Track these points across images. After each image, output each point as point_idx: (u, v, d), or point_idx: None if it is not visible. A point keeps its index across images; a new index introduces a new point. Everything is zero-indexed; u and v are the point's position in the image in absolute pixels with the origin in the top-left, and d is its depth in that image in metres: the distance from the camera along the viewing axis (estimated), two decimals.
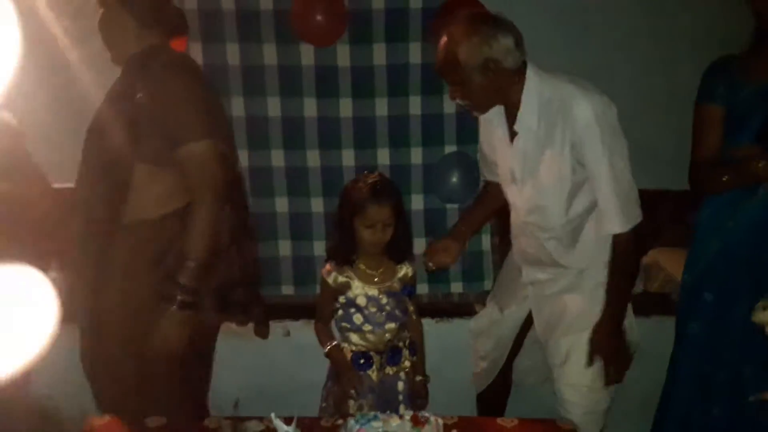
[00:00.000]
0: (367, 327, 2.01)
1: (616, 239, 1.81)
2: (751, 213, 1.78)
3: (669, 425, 1.94)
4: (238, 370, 2.71)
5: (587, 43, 2.80)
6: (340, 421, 1.76)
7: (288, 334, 2.73)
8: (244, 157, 2.68)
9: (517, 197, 1.94)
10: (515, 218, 2.01)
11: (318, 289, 2.72)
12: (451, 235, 2.11)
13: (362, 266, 2.03)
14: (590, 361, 1.88)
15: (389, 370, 2.04)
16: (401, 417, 1.65)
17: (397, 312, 2.04)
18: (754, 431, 1.82)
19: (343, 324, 2.05)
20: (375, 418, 1.66)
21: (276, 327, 2.73)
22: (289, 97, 2.64)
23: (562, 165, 1.77)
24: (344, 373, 2.01)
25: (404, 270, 2.08)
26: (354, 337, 2.04)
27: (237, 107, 2.64)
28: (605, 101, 1.75)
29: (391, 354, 2.05)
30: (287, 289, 2.80)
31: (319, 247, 2.73)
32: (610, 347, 1.87)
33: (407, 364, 2.07)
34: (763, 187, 1.74)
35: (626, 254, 1.83)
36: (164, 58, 1.85)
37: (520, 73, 1.78)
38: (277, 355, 2.72)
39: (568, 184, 1.80)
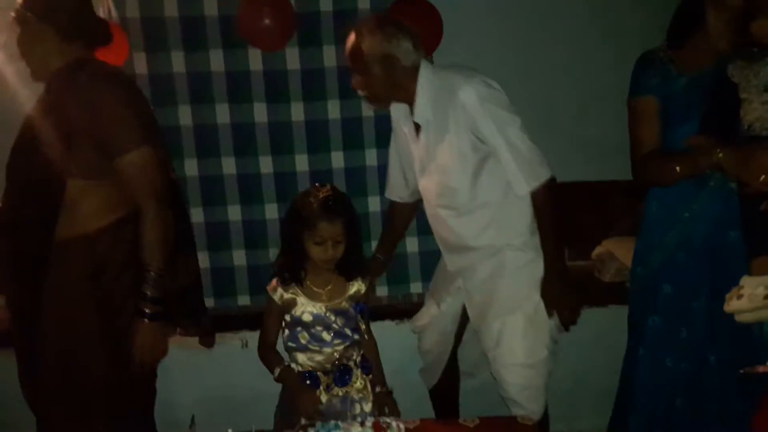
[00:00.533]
0: (314, 346, 1.93)
1: (533, 198, 1.97)
2: (709, 204, 1.79)
3: (634, 419, 1.94)
4: (196, 384, 2.65)
5: (537, 41, 2.85)
6: None
7: (246, 345, 2.67)
8: (194, 166, 2.64)
9: (428, 186, 2.07)
10: (429, 208, 2.13)
11: None
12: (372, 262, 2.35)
13: (309, 283, 1.95)
14: (549, 314, 2.02)
15: (338, 391, 1.93)
16: (362, 424, 1.63)
17: (346, 330, 1.95)
18: (719, 420, 1.84)
19: (289, 344, 1.97)
20: (336, 427, 1.64)
21: (233, 338, 2.69)
22: (238, 103, 2.60)
23: (461, 145, 1.94)
24: (299, 394, 1.88)
25: (356, 287, 1.99)
26: (300, 357, 1.95)
27: (185, 116, 2.59)
28: (487, 83, 1.93)
29: (339, 374, 1.94)
30: (243, 300, 2.75)
31: (275, 255, 2.68)
32: (560, 297, 2.01)
33: (359, 384, 1.97)
34: (713, 178, 1.77)
35: (545, 209, 1.97)
36: (90, 69, 1.79)
37: (417, 71, 1.95)
38: (235, 367, 2.67)
39: (470, 162, 1.95)
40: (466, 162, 1.96)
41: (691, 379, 1.84)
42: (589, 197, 2.92)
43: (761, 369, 1.49)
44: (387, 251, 2.40)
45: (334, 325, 1.93)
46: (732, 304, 1.69)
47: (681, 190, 1.80)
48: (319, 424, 1.70)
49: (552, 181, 1.96)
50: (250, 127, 2.61)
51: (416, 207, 2.30)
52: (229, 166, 2.64)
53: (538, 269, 2.02)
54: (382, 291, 2.75)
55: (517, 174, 1.93)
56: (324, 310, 1.94)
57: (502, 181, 1.97)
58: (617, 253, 2.75)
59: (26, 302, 1.78)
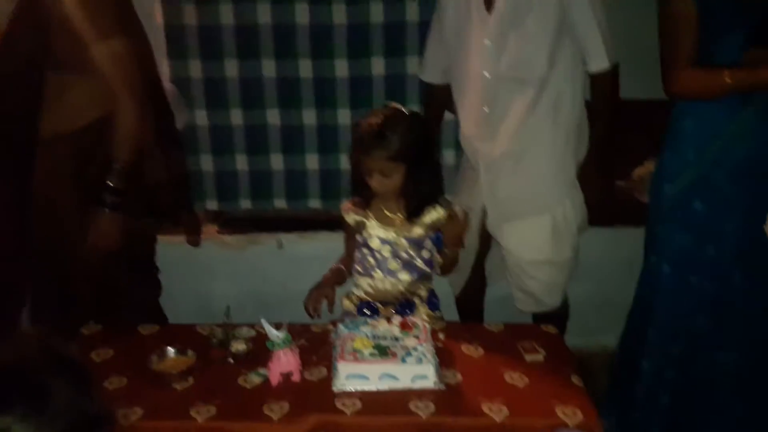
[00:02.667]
0: (378, 274, 1.86)
1: (602, 79, 2.00)
2: (753, 122, 1.71)
3: (653, 334, 1.96)
4: (231, 281, 2.76)
5: None
6: (330, 327, 1.79)
7: (281, 246, 2.75)
8: (234, 69, 2.62)
9: (492, 60, 1.99)
10: (478, 90, 2.03)
11: (311, 203, 2.77)
12: None
13: (381, 206, 1.84)
14: (587, 203, 2.11)
15: None
16: (390, 322, 1.68)
17: (416, 262, 1.84)
18: (741, 341, 1.84)
19: (357, 266, 1.91)
20: (364, 323, 1.69)
21: (269, 239, 2.76)
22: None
23: (546, 14, 1.91)
24: (317, 287, 1.88)
25: (434, 214, 1.82)
26: (363, 283, 1.88)
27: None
28: None
29: (401, 307, 1.86)
30: (279, 203, 2.80)
31: (312, 161, 2.71)
32: (595, 187, 2.09)
33: (425, 319, 1.80)
34: (760, 95, 1.66)
35: (612, 90, 2.02)
36: None
37: None
38: (269, 267, 2.76)
39: (552, 27, 1.92)
40: (549, 27, 1.92)
41: (715, 298, 1.83)
42: (635, 116, 2.82)
43: None
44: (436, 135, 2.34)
45: (404, 254, 1.84)
46: None
47: (722, 105, 1.69)
48: (348, 319, 1.76)
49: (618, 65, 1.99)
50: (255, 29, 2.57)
51: (449, 91, 2.22)
52: (269, 68, 2.61)
53: (571, 174, 2.06)
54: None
55: (599, 47, 1.94)
56: (395, 235, 1.84)
57: (571, 61, 1.98)
58: None
59: (11, 200, 1.81)
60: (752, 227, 1.70)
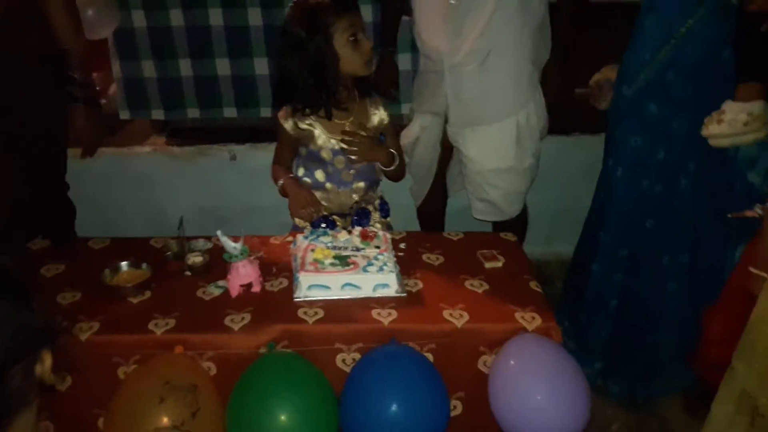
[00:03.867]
0: (330, 186, 1.79)
1: None
2: (707, 21, 1.69)
3: (605, 236, 2.00)
4: (185, 194, 2.68)
5: None
6: (289, 238, 1.76)
7: (234, 157, 2.66)
8: None
9: None
10: None
11: (262, 112, 2.65)
12: (383, 61, 2.21)
13: (330, 110, 1.72)
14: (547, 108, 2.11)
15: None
16: (350, 232, 1.65)
17: (367, 169, 1.80)
18: (688, 243, 1.90)
19: (305, 179, 1.81)
20: (324, 233, 1.66)
21: (221, 150, 2.67)
22: None
23: None
24: (292, 198, 1.76)
25: (378, 115, 1.80)
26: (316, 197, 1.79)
27: None
28: None
29: (357, 217, 1.82)
30: (229, 112, 2.67)
31: (260, 65, 2.57)
32: (557, 91, 2.15)
33: (378, 227, 1.81)
34: None
35: None
36: None
37: None
38: (223, 179, 2.68)
39: None
40: None
41: (664, 201, 1.87)
42: (596, 20, 2.77)
43: (749, 213, 1.50)
44: (393, 40, 2.29)
45: (357, 164, 1.79)
46: (711, 128, 1.68)
47: (680, 2, 1.70)
48: (308, 229, 1.73)
49: None
50: None
51: None
52: None
53: (534, 77, 2.03)
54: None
55: None
56: (346, 143, 1.75)
57: None
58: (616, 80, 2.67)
59: None
60: (697, 130, 1.73)
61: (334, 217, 1.85)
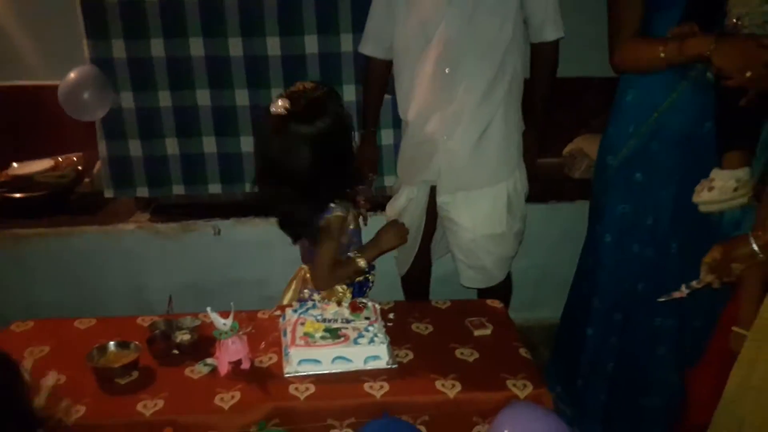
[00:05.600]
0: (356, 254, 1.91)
1: (546, 49, 2.10)
2: (688, 94, 1.79)
3: (597, 302, 2.03)
4: (168, 270, 2.67)
5: None
6: (278, 312, 1.76)
7: (218, 233, 2.68)
8: (160, 49, 2.51)
9: (454, 20, 1.96)
10: (439, 51, 1.99)
11: (248, 187, 2.69)
12: (364, 143, 2.32)
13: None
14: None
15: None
16: (339, 304, 1.66)
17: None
18: (678, 306, 1.94)
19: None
20: (313, 306, 1.67)
21: (205, 226, 2.68)
22: None
23: None
24: (387, 234, 1.91)
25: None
26: None
27: None
28: None
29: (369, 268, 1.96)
30: (214, 188, 2.71)
31: (246, 143, 2.63)
32: (534, 160, 2.22)
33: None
34: (694, 69, 1.75)
35: (554, 62, 2.12)
36: None
37: None
38: (209, 255, 2.69)
39: (511, 6, 1.98)
40: (508, 5, 1.97)
41: (654, 264, 1.92)
42: (564, 94, 2.91)
43: (676, 294, 1.57)
44: (375, 120, 2.36)
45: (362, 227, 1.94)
46: (702, 196, 1.74)
47: (661, 78, 1.78)
48: (296, 303, 1.73)
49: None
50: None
51: (389, 69, 2.21)
52: (197, 47, 2.51)
53: (520, 147, 2.14)
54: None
55: (555, 17, 2.03)
56: (354, 215, 1.90)
57: (522, 36, 2.04)
58: (588, 150, 2.78)
59: None
60: (685, 197, 1.79)
61: (369, 275, 1.96)
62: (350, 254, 1.86)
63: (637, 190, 1.89)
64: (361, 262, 1.84)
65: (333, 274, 1.83)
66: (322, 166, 1.70)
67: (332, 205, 1.78)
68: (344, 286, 1.88)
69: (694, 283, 1.49)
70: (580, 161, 2.83)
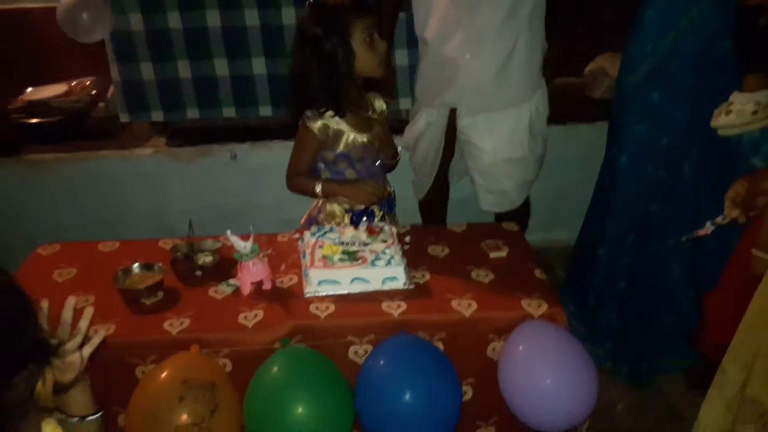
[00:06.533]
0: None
1: None
2: (708, 13, 1.74)
3: (611, 223, 2.04)
4: (187, 194, 2.70)
5: None
6: (296, 236, 1.79)
7: (234, 157, 2.69)
8: None
9: None
10: None
11: (261, 111, 2.67)
12: None
13: (349, 111, 1.73)
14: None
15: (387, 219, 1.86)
16: (356, 228, 1.68)
17: (386, 157, 1.85)
18: (689, 224, 1.93)
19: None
20: (331, 230, 1.69)
21: (221, 150, 2.69)
22: None
23: None
24: (354, 190, 1.76)
25: (379, 104, 1.84)
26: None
27: None
28: None
29: (387, 202, 1.85)
30: (228, 111, 2.69)
31: (258, 65, 2.59)
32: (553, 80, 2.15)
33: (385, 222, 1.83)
34: None
35: None
36: None
37: None
38: (226, 179, 2.71)
39: None
40: None
41: (667, 186, 1.91)
42: (586, 9, 2.80)
43: (701, 233, 1.54)
44: (390, 37, 2.24)
45: (380, 153, 1.82)
46: (720, 120, 1.71)
47: None
48: (314, 227, 1.75)
49: None
50: None
51: None
52: None
53: (540, 64, 2.05)
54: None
55: None
56: (369, 137, 1.76)
57: None
58: (610, 69, 2.70)
59: None
60: (700, 119, 1.76)
61: (373, 207, 1.84)
62: (322, 176, 1.79)
63: (653, 110, 1.87)
64: (317, 189, 1.76)
65: (292, 181, 1.80)
66: (308, 68, 1.67)
67: (307, 113, 1.72)
68: (342, 210, 1.82)
69: (719, 219, 1.45)
70: (602, 81, 2.75)
